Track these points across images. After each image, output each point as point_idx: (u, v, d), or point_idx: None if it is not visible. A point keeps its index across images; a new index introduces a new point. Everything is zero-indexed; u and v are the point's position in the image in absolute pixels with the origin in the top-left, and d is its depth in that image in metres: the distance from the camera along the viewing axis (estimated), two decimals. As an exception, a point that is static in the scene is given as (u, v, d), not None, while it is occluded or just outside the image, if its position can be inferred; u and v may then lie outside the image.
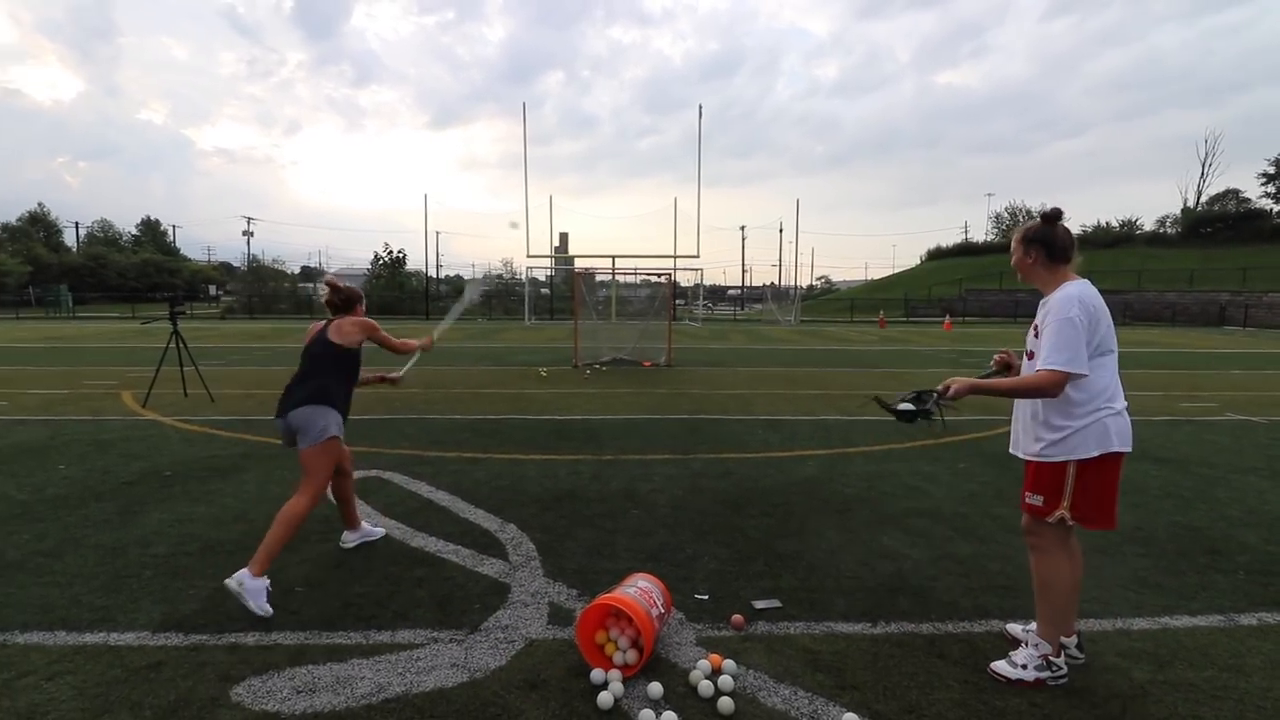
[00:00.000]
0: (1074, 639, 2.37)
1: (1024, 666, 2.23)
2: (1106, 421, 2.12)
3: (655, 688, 2.13)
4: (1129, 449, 2.16)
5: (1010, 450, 2.37)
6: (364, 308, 3.25)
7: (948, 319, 29.09)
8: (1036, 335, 2.21)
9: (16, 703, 2.07)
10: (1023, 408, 2.28)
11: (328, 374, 2.99)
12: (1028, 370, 2.25)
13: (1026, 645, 2.29)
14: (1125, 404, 2.17)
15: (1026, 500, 2.27)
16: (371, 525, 3.52)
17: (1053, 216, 2.21)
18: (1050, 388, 2.09)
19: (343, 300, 3.18)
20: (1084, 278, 2.20)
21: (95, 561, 3.14)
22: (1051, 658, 2.22)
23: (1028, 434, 2.26)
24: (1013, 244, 2.31)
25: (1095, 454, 2.12)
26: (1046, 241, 2.20)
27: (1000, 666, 2.26)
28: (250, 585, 2.64)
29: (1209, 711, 2.09)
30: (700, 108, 19.41)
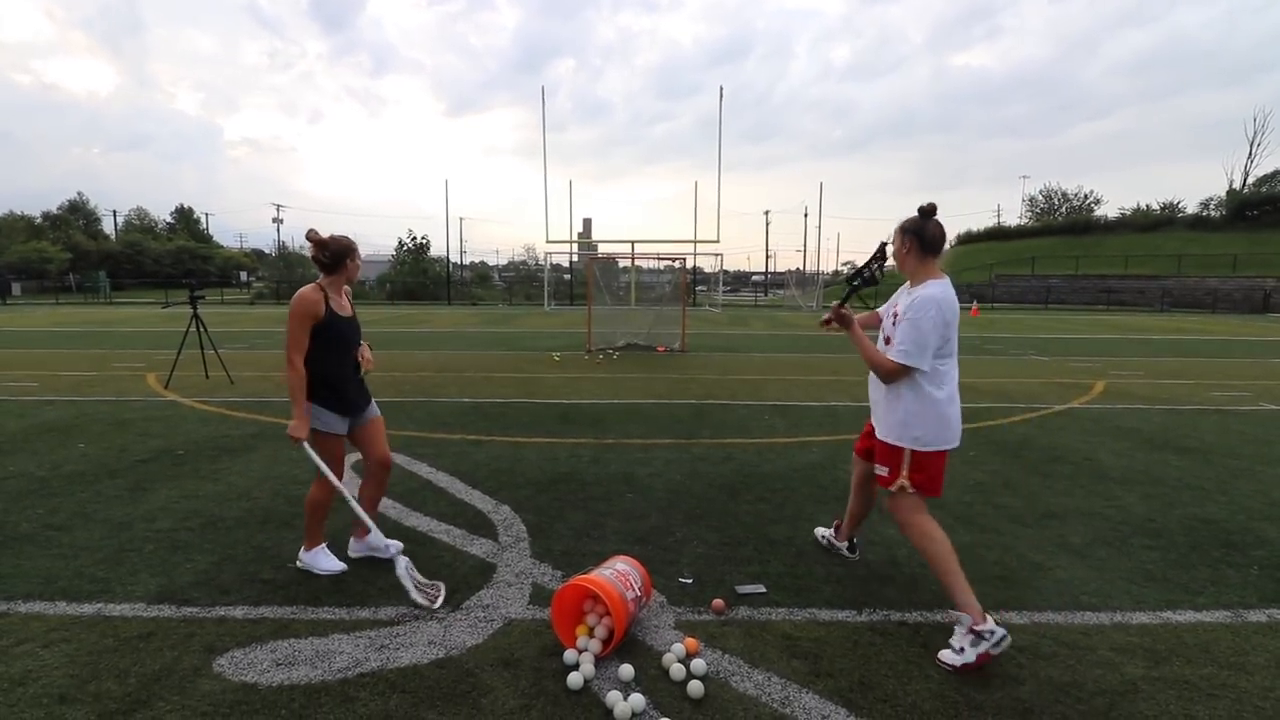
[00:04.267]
0: (844, 543, 2.98)
1: (961, 650, 2.18)
2: (948, 413, 2.35)
3: (626, 669, 2.12)
4: (958, 444, 2.41)
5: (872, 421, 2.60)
6: (357, 262, 2.80)
7: (975, 305, 28.38)
8: (894, 323, 2.39)
9: (11, 668, 2.15)
10: (878, 389, 2.49)
11: (309, 362, 2.68)
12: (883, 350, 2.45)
13: (959, 627, 2.24)
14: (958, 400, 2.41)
15: (876, 471, 2.51)
16: (383, 540, 2.87)
17: (928, 211, 2.39)
18: (889, 375, 2.36)
19: (331, 257, 2.70)
20: (947, 275, 2.43)
21: (101, 535, 3.23)
22: (976, 626, 2.18)
23: (885, 417, 2.46)
24: (892, 233, 2.53)
25: (935, 448, 2.36)
26: (919, 233, 2.37)
27: (945, 656, 2.22)
28: (307, 558, 2.86)
29: (1203, 710, 2.01)
30: (721, 89, 19.07)
